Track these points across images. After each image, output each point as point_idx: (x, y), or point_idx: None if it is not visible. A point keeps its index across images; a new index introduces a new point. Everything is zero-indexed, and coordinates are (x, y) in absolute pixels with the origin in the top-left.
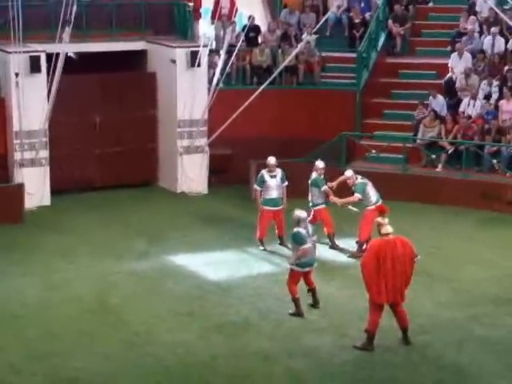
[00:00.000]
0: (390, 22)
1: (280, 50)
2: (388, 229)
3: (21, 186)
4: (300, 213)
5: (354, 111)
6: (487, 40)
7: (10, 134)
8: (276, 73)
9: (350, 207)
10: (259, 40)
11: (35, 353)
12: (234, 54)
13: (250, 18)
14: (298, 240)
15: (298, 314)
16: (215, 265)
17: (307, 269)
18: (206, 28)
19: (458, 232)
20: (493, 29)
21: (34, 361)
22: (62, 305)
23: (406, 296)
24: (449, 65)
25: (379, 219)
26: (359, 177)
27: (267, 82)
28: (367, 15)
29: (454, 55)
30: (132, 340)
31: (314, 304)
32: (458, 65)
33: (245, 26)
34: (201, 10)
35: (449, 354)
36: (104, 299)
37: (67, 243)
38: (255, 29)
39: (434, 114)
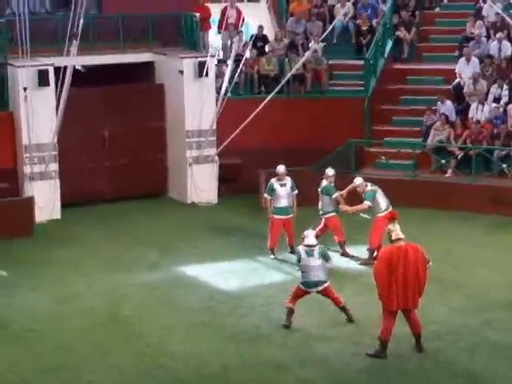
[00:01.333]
0: (397, 28)
1: (287, 59)
2: (399, 234)
3: (31, 200)
4: (307, 232)
5: (362, 118)
6: (494, 45)
7: (19, 148)
8: (283, 81)
9: (361, 214)
10: (266, 49)
11: (47, 366)
12: (242, 63)
13: (260, 27)
14: (297, 257)
15: (287, 324)
16: (226, 274)
17: (311, 290)
18: (213, 38)
19: (468, 237)
20: (498, 34)
21: (45, 374)
22: (73, 318)
23: (418, 302)
24: (456, 70)
25: (390, 226)
26: (369, 184)
27: (275, 90)
28: (374, 22)
29: (462, 60)
30: (144, 351)
31: (349, 319)
32: (465, 70)
33: (252, 36)
34: (210, 20)
35: (462, 360)
36: (115, 311)
37: (78, 256)
38: (263, 38)
39: (444, 118)
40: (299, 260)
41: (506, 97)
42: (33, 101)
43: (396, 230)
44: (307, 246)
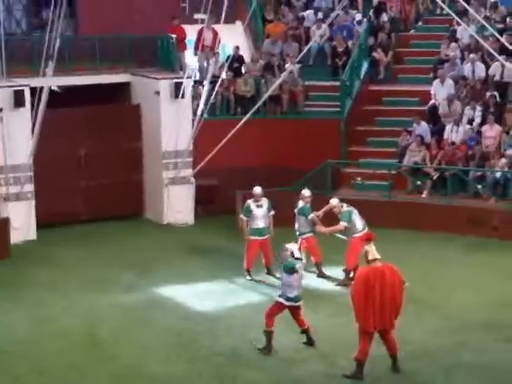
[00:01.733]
0: (373, 49)
1: (263, 80)
2: (375, 254)
3: (6, 221)
4: (290, 246)
5: (338, 139)
6: (467, 67)
7: None
8: (260, 102)
9: (338, 235)
10: (243, 70)
11: None
12: (218, 84)
13: (236, 48)
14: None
15: (267, 349)
16: (203, 295)
17: (290, 303)
18: (189, 59)
19: (444, 258)
20: (471, 55)
21: None
22: (50, 339)
23: (395, 323)
24: (431, 91)
25: (366, 247)
26: (345, 205)
27: (251, 111)
28: (350, 43)
29: (436, 82)
30: (121, 373)
31: (309, 343)
32: (440, 91)
33: (229, 57)
34: (186, 41)
35: (438, 381)
36: (92, 332)
37: (55, 277)
38: (239, 59)
39: (420, 139)
40: (293, 270)
41: (478, 118)
42: (8, 121)
43: (372, 251)
44: (297, 259)
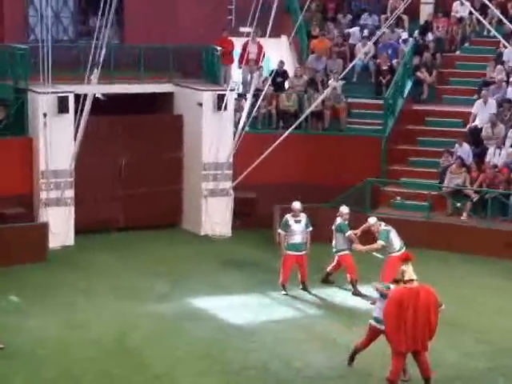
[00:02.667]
0: (417, 69)
1: (306, 96)
2: (412, 275)
3: (45, 225)
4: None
5: (379, 157)
6: (511, 89)
7: (36, 174)
8: (302, 118)
9: (375, 253)
10: (286, 85)
11: None
12: (261, 98)
13: (281, 62)
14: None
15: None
16: (237, 308)
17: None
18: (233, 72)
19: (482, 281)
20: None
21: None
22: (81, 345)
23: (428, 345)
24: (472, 111)
25: (403, 266)
26: (383, 224)
27: (293, 126)
28: (394, 62)
29: (479, 102)
30: (152, 383)
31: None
32: (481, 112)
33: (272, 71)
34: (233, 54)
35: None
36: (124, 340)
37: (89, 283)
38: (283, 74)
39: (460, 161)
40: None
41: None
42: (52, 127)
43: (409, 271)
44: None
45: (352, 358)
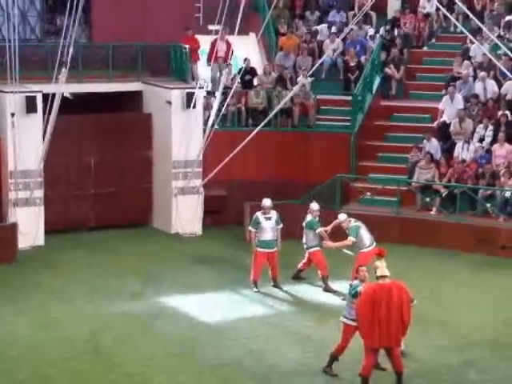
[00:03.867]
0: (385, 65)
1: (275, 93)
2: (385, 271)
3: (14, 226)
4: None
5: (348, 154)
6: (479, 85)
7: (4, 174)
8: (271, 115)
9: (345, 250)
10: (255, 82)
11: None
12: (230, 96)
13: (246, 60)
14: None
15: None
16: (209, 306)
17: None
18: (201, 70)
19: (452, 276)
20: (482, 73)
21: None
22: (54, 345)
23: (401, 341)
24: (439, 107)
25: (377, 262)
26: (352, 220)
27: (262, 123)
28: (362, 58)
29: (446, 98)
30: (125, 382)
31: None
32: (449, 108)
33: (241, 69)
34: (199, 52)
35: None
36: (96, 340)
37: (60, 283)
38: (251, 71)
39: (429, 157)
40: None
41: (489, 137)
42: (20, 127)
43: (382, 267)
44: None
45: (330, 364)
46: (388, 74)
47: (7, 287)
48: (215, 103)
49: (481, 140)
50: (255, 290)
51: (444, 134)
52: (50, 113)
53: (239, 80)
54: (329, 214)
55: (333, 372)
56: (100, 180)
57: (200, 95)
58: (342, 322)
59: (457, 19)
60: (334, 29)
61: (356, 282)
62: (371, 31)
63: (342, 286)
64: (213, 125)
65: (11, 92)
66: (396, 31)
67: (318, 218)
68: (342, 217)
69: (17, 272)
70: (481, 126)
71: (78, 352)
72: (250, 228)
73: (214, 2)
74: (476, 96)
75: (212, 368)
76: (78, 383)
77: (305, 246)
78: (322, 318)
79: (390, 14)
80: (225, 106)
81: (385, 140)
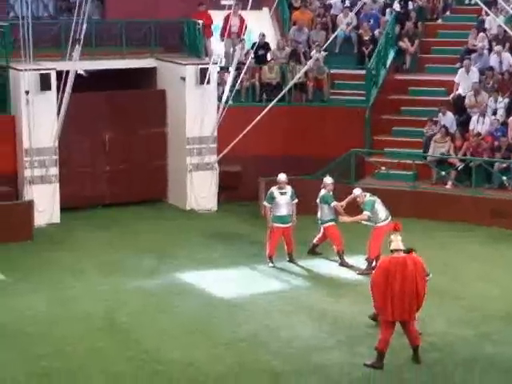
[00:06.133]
0: (399, 38)
1: (289, 68)
2: (399, 245)
3: (30, 203)
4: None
5: (363, 128)
6: (494, 57)
7: (20, 152)
8: (285, 90)
9: (363, 222)
10: (268, 57)
11: (42, 370)
12: (244, 71)
13: (261, 35)
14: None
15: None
16: (224, 282)
17: None
18: (215, 45)
19: (468, 249)
20: (497, 47)
21: (41, 378)
22: (70, 322)
23: (416, 315)
24: (455, 80)
25: (392, 236)
26: (368, 194)
27: (276, 99)
28: (376, 32)
29: (461, 71)
30: (141, 358)
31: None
32: (464, 81)
33: (254, 44)
34: (212, 27)
35: (459, 372)
36: (113, 317)
37: (76, 260)
38: (265, 46)
39: (444, 130)
40: None
41: (502, 109)
42: (34, 104)
43: (397, 241)
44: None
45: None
46: (402, 47)
47: (23, 265)
48: (229, 79)
49: (494, 113)
50: (271, 265)
51: (459, 107)
52: (63, 90)
53: (253, 55)
54: (344, 188)
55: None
56: (114, 157)
57: (214, 71)
58: None
59: None
60: (347, 2)
61: None
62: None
63: (358, 260)
64: (227, 100)
65: (25, 70)
66: (410, 4)
67: (331, 192)
68: (357, 191)
69: (33, 249)
70: (491, 98)
71: (94, 328)
72: (265, 203)
73: None
74: (491, 69)
75: (228, 343)
76: (96, 360)
77: (319, 221)
78: (338, 292)
79: None
80: (239, 81)
81: (400, 114)
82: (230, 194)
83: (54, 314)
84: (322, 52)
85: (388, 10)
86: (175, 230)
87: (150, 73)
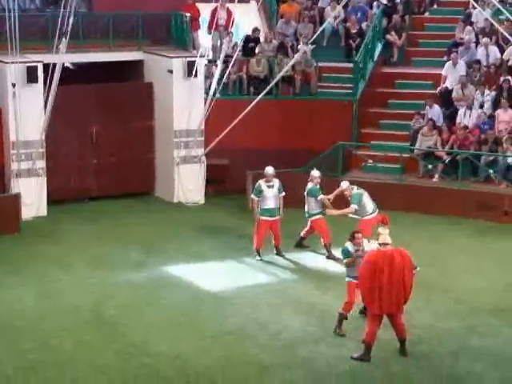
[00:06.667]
0: (387, 31)
1: (277, 61)
2: (386, 238)
3: (17, 197)
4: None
5: (350, 121)
6: (481, 50)
7: (6, 145)
8: (273, 83)
9: (350, 215)
10: (256, 50)
11: (30, 364)
12: (231, 64)
13: (255, 29)
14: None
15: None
16: (212, 275)
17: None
18: (202, 38)
19: (454, 242)
20: (484, 39)
21: (29, 372)
22: (58, 315)
23: (403, 308)
24: (442, 73)
25: (380, 229)
26: (355, 187)
27: (264, 92)
28: (364, 25)
29: (448, 64)
30: (128, 351)
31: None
32: (451, 74)
33: (245, 36)
34: (200, 20)
35: (446, 365)
36: (100, 310)
37: (64, 253)
38: (255, 39)
39: (432, 123)
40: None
41: (488, 102)
42: (21, 97)
43: (385, 234)
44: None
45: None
46: (390, 40)
47: (11, 258)
48: (216, 72)
49: (481, 106)
50: (258, 258)
51: (446, 100)
52: (50, 83)
53: (240, 48)
54: (331, 181)
55: (342, 332)
56: (102, 150)
57: (201, 64)
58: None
59: None
60: None
61: (347, 243)
62: None
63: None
64: (214, 93)
65: (12, 62)
66: None
67: (319, 186)
68: (345, 184)
69: (20, 242)
70: (478, 91)
71: (81, 322)
72: (252, 196)
73: None
74: (478, 62)
75: (215, 336)
76: (83, 353)
77: (307, 214)
78: (325, 285)
79: None
80: (226, 74)
81: (387, 107)
82: (217, 187)
83: (42, 308)
84: (310, 45)
85: (375, 3)
86: (163, 223)
87: (138, 65)
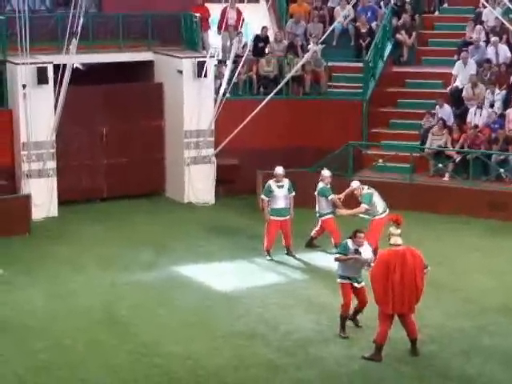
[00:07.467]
0: (397, 31)
1: (286, 60)
2: (397, 240)
3: (28, 197)
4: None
5: (360, 121)
6: (491, 49)
7: (17, 145)
8: (283, 83)
9: (361, 215)
10: (266, 50)
11: (42, 364)
12: (241, 64)
13: (264, 28)
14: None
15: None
16: (222, 275)
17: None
18: (212, 38)
19: (465, 241)
20: (494, 38)
21: (40, 372)
22: (69, 316)
23: (415, 308)
24: (452, 72)
25: (391, 229)
26: (365, 187)
27: (274, 92)
28: (373, 25)
29: (459, 63)
30: (139, 351)
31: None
32: (462, 73)
33: (257, 36)
34: (209, 20)
35: (456, 365)
36: (111, 310)
37: (74, 254)
38: (265, 39)
39: (442, 123)
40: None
41: (499, 101)
42: (31, 98)
43: (396, 235)
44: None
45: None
46: (399, 40)
47: (21, 258)
48: (226, 72)
49: (491, 105)
50: (268, 258)
51: (457, 99)
52: (61, 84)
53: (250, 48)
54: (341, 181)
55: (345, 334)
56: (112, 151)
57: (211, 64)
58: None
59: None
60: None
61: (348, 240)
62: None
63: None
64: (224, 93)
65: (22, 63)
66: None
67: (329, 185)
68: (355, 184)
69: (31, 243)
70: (488, 91)
71: (93, 322)
72: (262, 196)
73: None
74: (488, 61)
75: (226, 336)
76: (94, 353)
77: (317, 214)
78: (335, 285)
79: None
80: (236, 74)
81: (397, 106)
82: (227, 188)
83: (53, 308)
84: (320, 45)
85: (382, 3)
86: (173, 223)
87: (148, 66)
